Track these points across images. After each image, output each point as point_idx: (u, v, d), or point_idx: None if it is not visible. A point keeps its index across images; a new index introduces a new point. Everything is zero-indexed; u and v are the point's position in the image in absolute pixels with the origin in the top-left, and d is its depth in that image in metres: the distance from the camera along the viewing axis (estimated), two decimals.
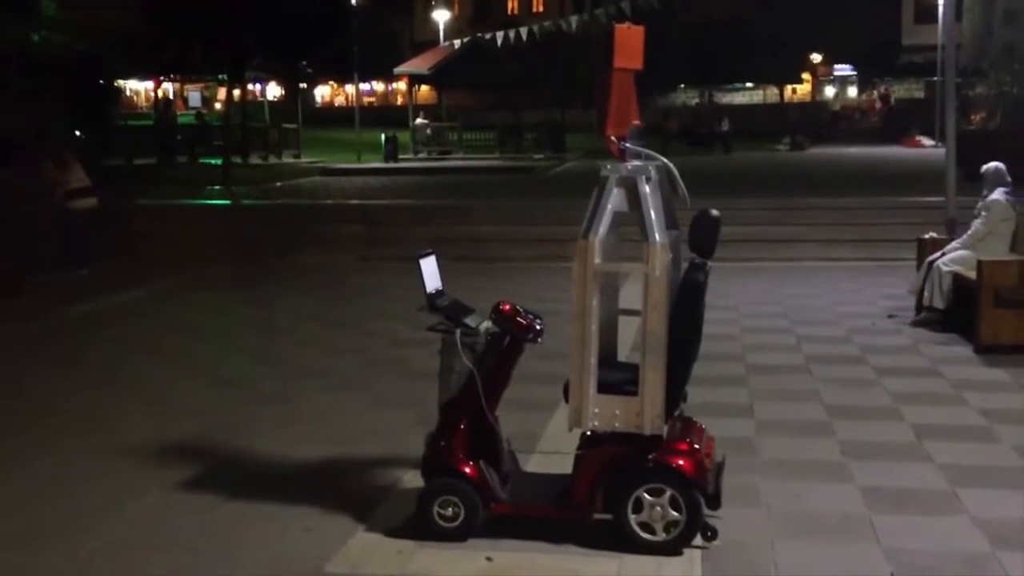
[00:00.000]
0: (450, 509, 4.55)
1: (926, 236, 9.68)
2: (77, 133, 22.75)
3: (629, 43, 4.53)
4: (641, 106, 4.79)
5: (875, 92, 53.21)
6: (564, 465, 4.68)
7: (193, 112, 46.07)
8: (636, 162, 4.50)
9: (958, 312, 8.50)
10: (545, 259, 12.79)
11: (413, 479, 5.06)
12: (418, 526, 4.60)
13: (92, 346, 9.22)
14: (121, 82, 43.99)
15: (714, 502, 4.59)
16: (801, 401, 6.75)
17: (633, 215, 4.45)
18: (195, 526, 4.92)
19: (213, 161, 30.42)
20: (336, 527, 4.79)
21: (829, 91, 59.22)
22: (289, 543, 4.69)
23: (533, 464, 5.36)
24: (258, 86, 52.21)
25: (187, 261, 13.79)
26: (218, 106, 48.05)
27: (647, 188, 4.43)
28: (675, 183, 4.61)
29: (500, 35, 34.92)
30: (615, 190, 4.47)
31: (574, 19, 35.16)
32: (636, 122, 4.61)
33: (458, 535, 4.55)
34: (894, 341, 8.50)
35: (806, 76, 57.93)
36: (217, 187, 24.15)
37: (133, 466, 5.79)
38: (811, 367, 7.68)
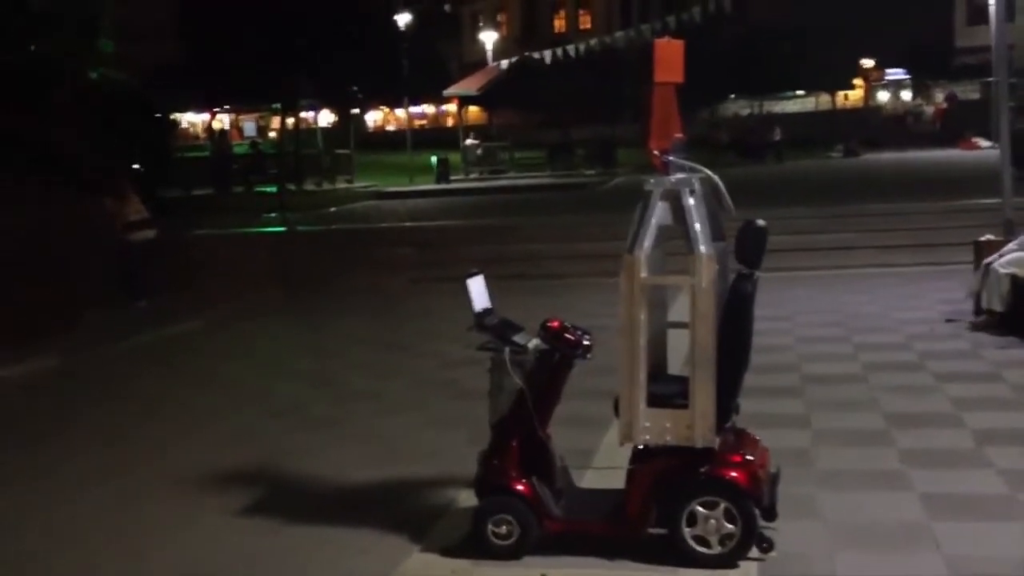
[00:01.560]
0: (504, 527, 4.57)
1: (983, 238, 9.52)
2: (136, 166, 23.29)
3: (669, 57, 4.55)
4: (689, 119, 4.80)
5: (940, 95, 52.39)
6: (618, 480, 4.67)
7: (248, 142, 46.88)
8: (680, 175, 4.50)
9: (1017, 314, 8.33)
10: (596, 274, 12.77)
11: (467, 498, 5.09)
12: (473, 545, 4.62)
13: (148, 376, 9.41)
14: (177, 115, 44.93)
15: (769, 514, 4.55)
16: (858, 410, 6.67)
17: (679, 228, 4.45)
18: (254, 551, 4.99)
19: (268, 189, 30.90)
20: (392, 547, 4.84)
21: (882, 96, 58.40)
22: (347, 565, 4.74)
23: (587, 480, 5.35)
24: (311, 113, 52.98)
25: (243, 289, 14.01)
26: (272, 135, 48.86)
27: (691, 200, 4.43)
28: (720, 194, 4.60)
29: (548, 53, 35.18)
30: (660, 204, 4.48)
31: (620, 35, 35.31)
32: (679, 135, 4.62)
33: (513, 553, 4.56)
34: (953, 346, 8.36)
35: (858, 82, 57.22)
36: (272, 214, 24.51)
37: (190, 493, 5.90)
38: (868, 375, 7.57)
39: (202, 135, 57.70)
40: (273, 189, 29.07)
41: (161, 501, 5.80)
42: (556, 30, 60.15)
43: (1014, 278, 8.45)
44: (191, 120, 58.74)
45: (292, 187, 30.78)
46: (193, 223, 20.69)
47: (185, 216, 22.03)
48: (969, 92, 49.42)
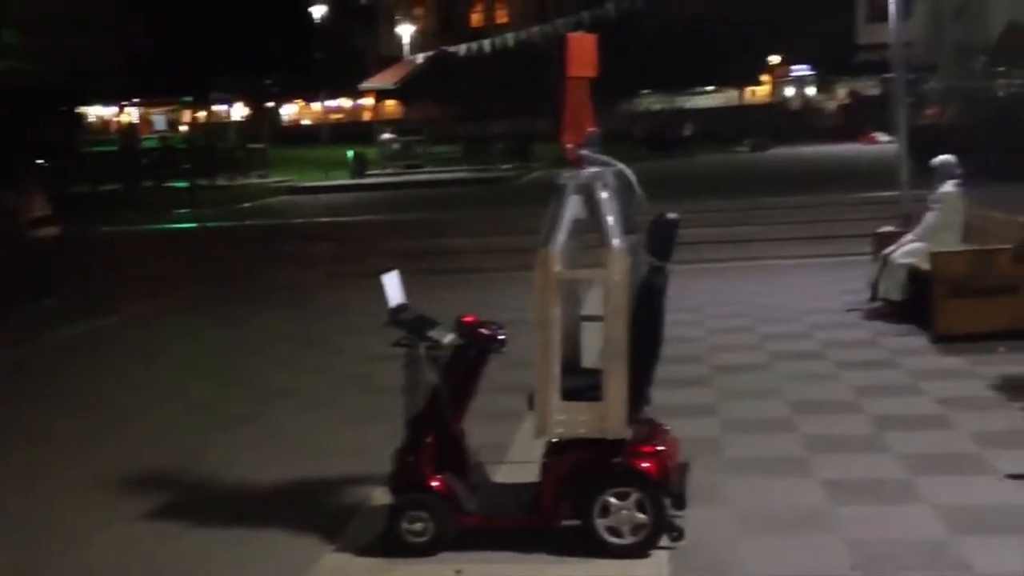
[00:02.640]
0: (419, 524, 4.58)
1: (882, 230, 9.85)
2: (40, 161, 22.61)
3: (581, 51, 4.61)
4: (604, 113, 4.87)
5: (842, 91, 53.68)
6: (532, 474, 4.73)
7: (156, 136, 45.81)
8: (593, 169, 4.57)
9: (914, 303, 8.65)
10: (512, 268, 12.84)
11: (382, 496, 5.08)
12: (388, 543, 4.63)
13: (62, 375, 9.19)
14: (85, 109, 43.68)
15: (679, 502, 4.66)
16: (764, 399, 6.87)
17: (592, 222, 4.52)
18: (159, 556, 4.91)
19: (179, 184, 30.27)
20: (305, 548, 4.81)
21: (788, 91, 59.69)
22: (256, 568, 4.70)
23: (503, 474, 5.39)
24: (224, 107, 52.00)
25: (156, 286, 13.73)
26: (183, 128, 47.82)
27: (604, 194, 4.50)
28: (632, 187, 4.68)
29: (464, 47, 35.14)
30: (573, 197, 4.54)
31: (536, 29, 35.44)
32: (592, 129, 4.69)
33: (428, 549, 4.58)
34: (853, 335, 8.64)
35: (765, 78, 58.42)
36: (184, 210, 24.02)
37: (103, 496, 5.80)
38: (773, 364, 7.80)
39: (110, 130, 56.22)
40: (184, 184, 28.47)
41: (74, 504, 5.70)
42: (473, 24, 60.05)
43: (911, 268, 8.78)
44: (99, 114, 57.14)
45: (204, 182, 30.19)
46: (101, 219, 20.17)
47: (93, 212, 21.46)
48: (869, 88, 50.84)
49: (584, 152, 4.59)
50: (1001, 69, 23.69)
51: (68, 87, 26.94)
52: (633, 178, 4.65)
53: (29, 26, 24.83)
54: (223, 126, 45.27)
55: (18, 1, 24.50)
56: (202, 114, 36.03)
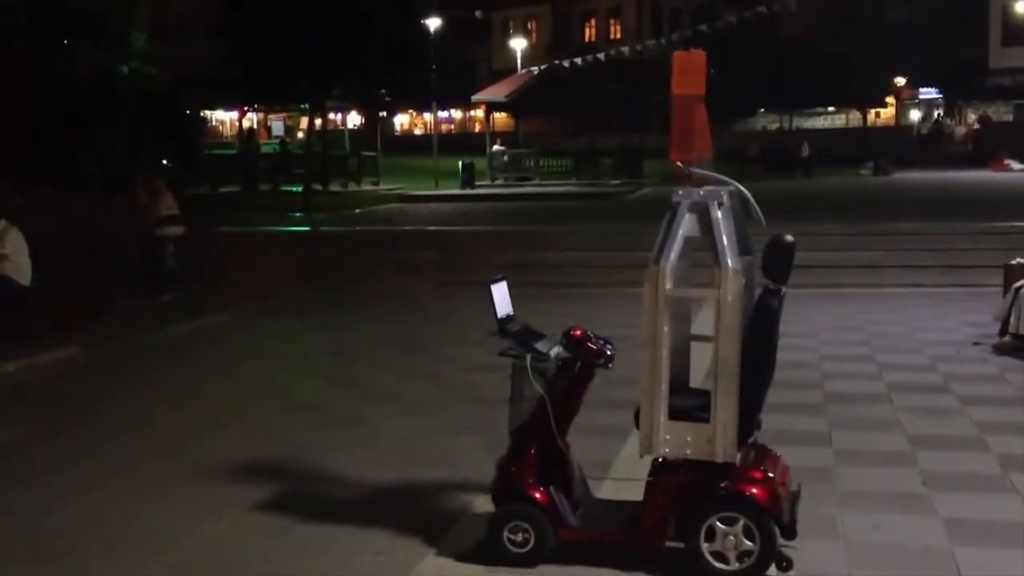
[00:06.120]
0: (520, 535, 4.54)
1: (1013, 262, 9.42)
2: (164, 162, 23.44)
3: (688, 69, 4.50)
4: (718, 131, 4.75)
5: (972, 116, 51.98)
6: (636, 492, 4.63)
7: (276, 141, 47.09)
8: (709, 187, 4.46)
9: None
10: (620, 284, 12.72)
11: (484, 504, 5.05)
12: (488, 551, 4.59)
13: (172, 369, 9.46)
14: (207, 112, 45.23)
15: (789, 532, 4.48)
16: (882, 431, 6.59)
17: (706, 241, 4.41)
18: (268, 548, 4.99)
19: (294, 189, 31.02)
20: (406, 551, 4.82)
21: (914, 115, 57.98)
22: (360, 566, 4.73)
23: (605, 491, 5.30)
24: (339, 115, 53.18)
25: (267, 287, 14.06)
26: (300, 135, 49.08)
27: (719, 213, 4.39)
28: (749, 207, 4.55)
29: (577, 61, 35.15)
30: (687, 215, 4.44)
31: (651, 44, 35.23)
32: (706, 152, 4.57)
33: (528, 561, 4.53)
34: (979, 369, 8.26)
35: (890, 100, 56.87)
36: (298, 214, 24.60)
37: (209, 487, 5.92)
38: (892, 396, 7.49)
39: (230, 133, 58.05)
40: (299, 189, 29.18)
41: (180, 495, 5.82)
42: (586, 39, 60.14)
43: None
44: (220, 118, 59.07)
45: (318, 187, 30.88)
46: (219, 220, 20.78)
47: (211, 213, 22.14)
48: (1002, 113, 49.04)
49: (698, 170, 4.47)
50: None
51: (192, 91, 27.87)
52: (751, 198, 4.52)
53: (156, 30, 25.81)
54: (338, 133, 46.34)
55: (145, 6, 25.49)
56: (318, 121, 36.85)
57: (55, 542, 5.17)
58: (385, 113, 57.49)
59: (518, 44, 48.93)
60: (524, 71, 44.90)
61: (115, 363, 9.76)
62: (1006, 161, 36.53)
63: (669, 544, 4.43)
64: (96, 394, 8.51)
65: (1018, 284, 8.69)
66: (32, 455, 6.75)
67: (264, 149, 43.23)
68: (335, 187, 34.52)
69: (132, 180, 14.91)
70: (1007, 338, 8.65)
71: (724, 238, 4.35)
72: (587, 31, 61.90)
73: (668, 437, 4.42)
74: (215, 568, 4.79)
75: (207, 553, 4.98)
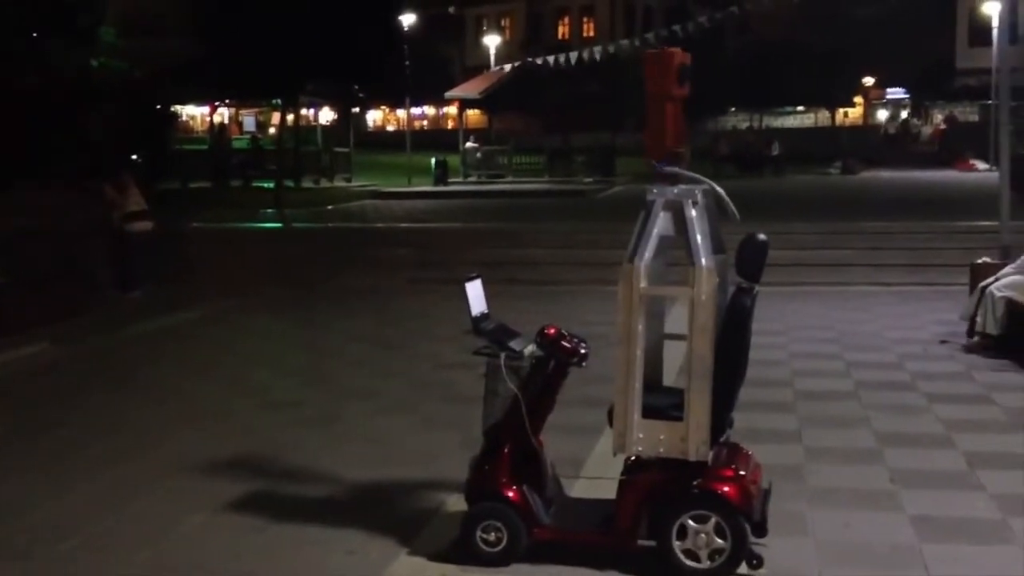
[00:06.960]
0: (493, 534, 4.55)
1: (979, 261, 9.54)
2: (134, 157, 23.24)
3: (659, 69, 4.53)
4: (689, 129, 4.77)
5: (939, 116, 52.51)
6: (609, 490, 4.65)
7: (247, 137, 46.77)
8: (683, 186, 4.49)
9: (1012, 337, 8.34)
10: (593, 282, 12.76)
11: (457, 503, 5.05)
12: (461, 550, 4.60)
13: (146, 367, 9.39)
14: (177, 107, 44.83)
15: (760, 530, 4.52)
16: (850, 428, 6.66)
17: (680, 239, 4.43)
18: (240, 547, 4.97)
19: (266, 185, 30.87)
20: (379, 550, 4.82)
21: (882, 114, 58.54)
22: (333, 566, 4.72)
23: (578, 489, 5.33)
24: (311, 111, 52.90)
25: (239, 283, 13.98)
26: (272, 131, 48.77)
27: (693, 212, 4.42)
28: (724, 204, 4.58)
29: (551, 59, 35.15)
30: (661, 214, 4.46)
31: (624, 43, 35.30)
32: (680, 150, 4.60)
33: (501, 560, 4.53)
34: (946, 367, 8.36)
35: (858, 100, 57.38)
36: (269, 210, 24.49)
37: (184, 485, 5.89)
38: (861, 393, 7.57)
39: (201, 129, 57.55)
40: (271, 185, 29.05)
41: (154, 493, 5.78)
42: (560, 36, 60.22)
43: (1010, 301, 8.47)
44: (191, 113, 58.53)
45: (290, 183, 30.74)
46: (189, 216, 20.64)
47: (182, 209, 21.98)
48: (968, 114, 49.58)
49: (664, 167, 4.49)
50: None
51: (162, 85, 27.67)
52: (724, 195, 4.56)
53: (126, 25, 25.60)
54: (310, 129, 46.09)
55: (116, 1, 25.30)
56: (290, 117, 36.68)
57: (29, 540, 5.12)
58: (358, 109, 57.19)
59: (492, 41, 48.85)
60: (497, 68, 44.77)
61: (88, 360, 9.67)
62: (971, 161, 36.95)
63: (641, 543, 4.45)
64: (69, 391, 8.44)
65: (984, 283, 8.80)
66: (6, 453, 6.68)
67: (236, 145, 42.95)
68: (307, 183, 34.37)
69: (102, 176, 14.77)
70: (976, 339, 8.76)
71: (698, 237, 4.38)
72: (560, 28, 62.01)
73: (641, 435, 4.45)
74: (188, 566, 4.77)
75: (180, 551, 4.95)
